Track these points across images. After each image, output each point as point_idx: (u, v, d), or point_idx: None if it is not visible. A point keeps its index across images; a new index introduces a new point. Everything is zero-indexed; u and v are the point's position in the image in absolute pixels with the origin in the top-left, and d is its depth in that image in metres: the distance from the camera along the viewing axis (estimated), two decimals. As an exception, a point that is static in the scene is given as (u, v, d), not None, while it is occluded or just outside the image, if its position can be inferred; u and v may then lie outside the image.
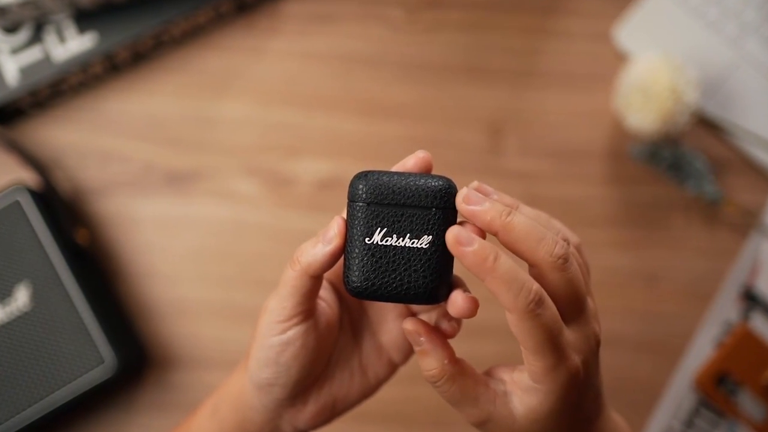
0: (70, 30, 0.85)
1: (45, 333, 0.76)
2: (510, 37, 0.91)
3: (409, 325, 0.45)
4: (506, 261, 0.41)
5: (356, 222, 0.43)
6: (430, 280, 0.43)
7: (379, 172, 0.44)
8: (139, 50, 0.88)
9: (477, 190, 0.44)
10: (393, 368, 0.55)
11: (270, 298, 0.48)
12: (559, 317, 0.42)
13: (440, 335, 0.45)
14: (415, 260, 0.43)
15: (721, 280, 0.86)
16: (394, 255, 0.43)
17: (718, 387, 0.82)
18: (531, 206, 0.47)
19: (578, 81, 0.90)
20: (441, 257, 0.43)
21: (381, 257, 0.43)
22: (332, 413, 0.52)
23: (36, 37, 0.85)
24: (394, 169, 0.46)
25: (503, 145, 0.88)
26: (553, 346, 0.41)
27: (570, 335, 0.43)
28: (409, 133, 0.88)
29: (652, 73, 0.83)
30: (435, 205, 0.43)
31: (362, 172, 0.44)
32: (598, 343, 0.45)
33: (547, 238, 0.41)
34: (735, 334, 0.83)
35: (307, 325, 0.47)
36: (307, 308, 0.47)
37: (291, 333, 0.47)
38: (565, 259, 0.42)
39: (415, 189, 0.43)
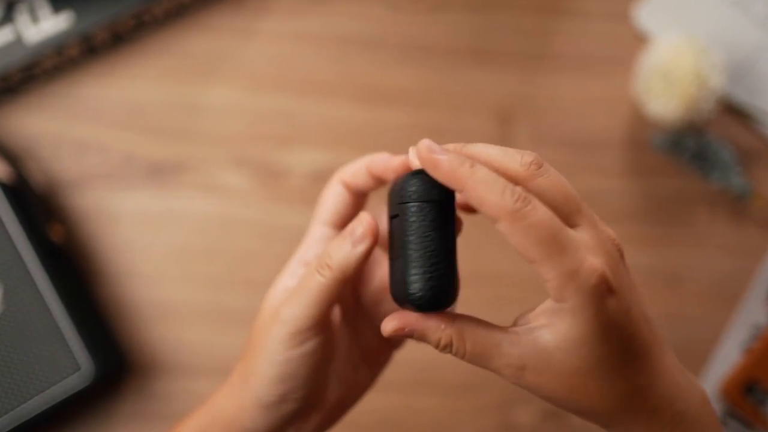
0: (44, 9, 0.85)
1: (16, 338, 0.76)
2: (520, 17, 0.91)
3: (388, 327, 0.44)
4: (483, 167, 0.41)
5: (418, 227, 0.42)
6: (430, 285, 0.42)
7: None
8: (118, 31, 0.87)
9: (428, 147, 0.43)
10: (393, 349, 0.55)
11: (282, 307, 0.47)
12: (553, 215, 0.40)
13: (416, 313, 0.44)
14: (402, 265, 0.43)
15: (748, 280, 0.86)
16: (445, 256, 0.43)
17: (746, 396, 0.82)
18: None
19: (594, 64, 0.90)
20: (436, 257, 0.42)
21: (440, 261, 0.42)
22: (338, 413, 0.52)
23: (6, 17, 0.84)
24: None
25: (513, 133, 0.88)
26: (559, 244, 0.40)
27: (578, 235, 0.41)
28: (411, 120, 0.88)
29: (675, 56, 0.83)
30: (414, 199, 0.43)
31: (415, 171, 0.43)
32: (617, 247, 0.43)
33: (509, 154, 0.42)
34: (764, 338, 0.83)
35: (327, 333, 0.47)
36: (329, 317, 0.47)
37: (310, 345, 0.46)
38: (537, 164, 0.42)
39: (400, 184, 0.43)
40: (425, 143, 0.42)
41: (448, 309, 0.44)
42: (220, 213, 0.86)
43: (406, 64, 0.89)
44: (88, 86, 0.88)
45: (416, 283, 0.42)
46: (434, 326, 0.43)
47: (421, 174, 0.43)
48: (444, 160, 0.41)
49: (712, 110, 0.83)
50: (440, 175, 0.41)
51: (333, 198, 0.52)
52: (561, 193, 0.42)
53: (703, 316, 0.85)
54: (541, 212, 0.40)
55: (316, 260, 0.47)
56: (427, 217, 0.42)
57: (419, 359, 0.76)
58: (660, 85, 0.83)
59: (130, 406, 0.81)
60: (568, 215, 0.42)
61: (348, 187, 0.52)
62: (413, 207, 0.42)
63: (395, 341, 0.54)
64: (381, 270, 0.55)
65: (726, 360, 0.84)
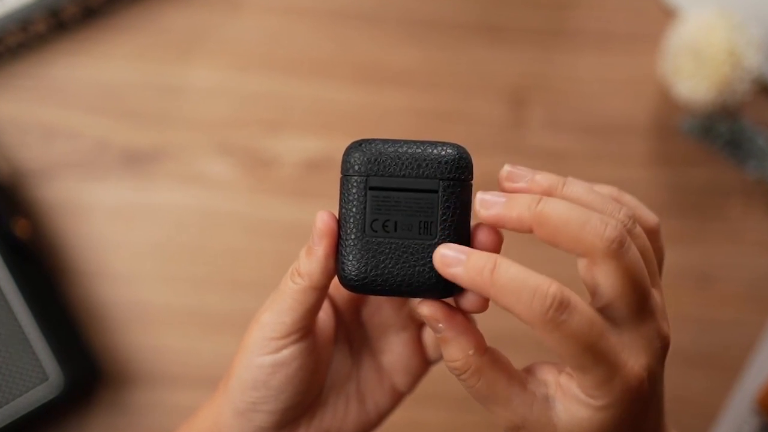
0: (7, -20, 0.85)
1: (-23, 345, 0.76)
2: (536, -11, 0.91)
3: (425, 309, 0.44)
4: (508, 267, 0.40)
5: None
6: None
7: (379, 140, 0.44)
8: (90, 5, 0.87)
9: (508, 176, 0.44)
10: (396, 397, 0.55)
11: (262, 310, 0.48)
12: (595, 318, 0.40)
13: (464, 319, 0.44)
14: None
15: (788, 280, 0.86)
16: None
17: (785, 408, 0.82)
18: None
19: (617, 42, 0.90)
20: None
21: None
22: None
23: (-35, -11, 0.84)
24: None
25: (527, 118, 0.88)
26: (596, 355, 0.40)
27: (626, 338, 0.41)
28: (414, 104, 0.88)
29: (706, 33, 0.82)
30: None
31: (358, 141, 0.44)
32: (665, 346, 0.44)
33: (591, 220, 0.40)
34: (805, 344, 0.83)
35: (306, 343, 0.48)
36: (308, 324, 0.48)
37: (287, 352, 0.47)
38: (619, 243, 0.40)
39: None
40: (440, 251, 0.42)
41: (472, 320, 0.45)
42: (203, 206, 0.86)
43: (408, 41, 0.89)
44: (57, 66, 0.87)
45: (346, 259, 0.44)
46: (464, 343, 0.43)
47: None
48: (460, 272, 0.41)
49: (747, 92, 0.83)
50: (463, 284, 0.41)
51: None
52: (632, 284, 0.41)
53: (737, 320, 0.85)
54: (577, 320, 0.39)
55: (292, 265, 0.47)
56: (353, 192, 0.44)
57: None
58: (690, 65, 0.82)
59: (102, 420, 0.82)
60: (628, 309, 0.42)
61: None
62: (350, 180, 0.44)
63: (394, 389, 0.54)
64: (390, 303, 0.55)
65: (763, 369, 0.84)
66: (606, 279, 0.40)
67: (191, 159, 0.86)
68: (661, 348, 0.43)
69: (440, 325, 0.44)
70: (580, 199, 0.43)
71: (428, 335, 0.54)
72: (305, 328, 0.47)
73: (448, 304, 0.45)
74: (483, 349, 0.43)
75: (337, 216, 0.45)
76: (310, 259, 0.45)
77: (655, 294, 0.43)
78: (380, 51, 0.89)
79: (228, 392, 0.49)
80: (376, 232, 0.43)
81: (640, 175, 0.87)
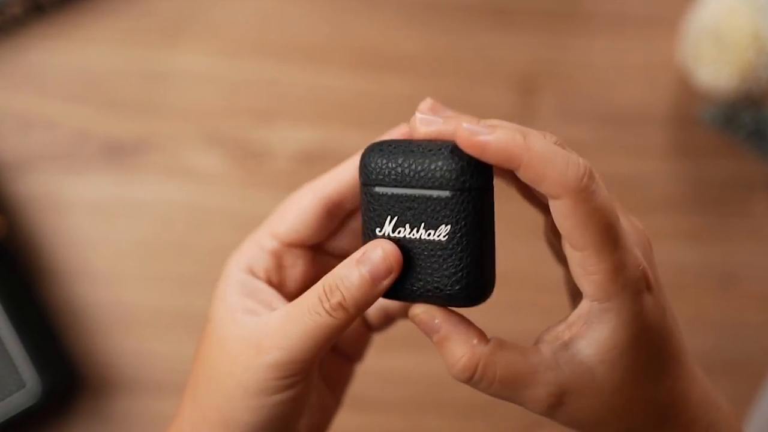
0: (-20, -41, 0.84)
1: (-51, 350, 0.77)
2: (546, -32, 0.91)
3: (419, 308, 0.44)
4: (538, 137, 0.40)
5: (367, 210, 0.45)
6: (460, 277, 0.43)
7: (390, 142, 0.45)
8: (69, -15, 0.86)
9: (431, 109, 0.45)
10: (355, 359, 0.56)
11: (265, 350, 0.45)
12: (613, 197, 0.42)
13: (459, 314, 0.44)
14: (436, 255, 0.43)
15: (817, 280, 0.86)
16: (410, 249, 0.44)
17: (813, 418, 0.82)
18: None
19: (633, 25, 0.90)
20: (470, 249, 0.43)
21: (414, 247, 0.44)
22: None
23: (-65, -32, 0.84)
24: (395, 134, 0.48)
25: (537, 106, 0.88)
26: (616, 234, 0.40)
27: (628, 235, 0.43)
28: (416, 91, 0.87)
29: (729, 15, 0.82)
30: (450, 186, 0.43)
31: (372, 145, 0.45)
32: (648, 240, 0.45)
33: (572, 158, 0.40)
34: (835, 349, 0.82)
35: (314, 375, 0.48)
36: (321, 356, 0.46)
37: (298, 389, 0.46)
38: (595, 181, 0.41)
39: (424, 166, 0.43)
40: (463, 125, 0.41)
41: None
42: (190, 201, 0.86)
43: (410, 25, 0.89)
44: (34, 51, 0.87)
45: (459, 273, 0.43)
46: (463, 333, 0.43)
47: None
48: (492, 141, 0.40)
49: (774, 79, 0.82)
50: (490, 157, 0.41)
51: (299, 210, 0.50)
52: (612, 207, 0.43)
53: (762, 323, 0.85)
54: (605, 193, 0.40)
55: (317, 298, 0.44)
56: (368, 202, 0.45)
57: (426, 375, 0.76)
58: (711, 50, 0.82)
59: (83, 429, 0.82)
60: None
61: (329, 206, 0.50)
62: (364, 190, 0.45)
63: (352, 352, 0.55)
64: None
65: (789, 375, 0.83)
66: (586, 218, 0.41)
67: (178, 151, 0.86)
68: (647, 241, 0.45)
69: (437, 320, 0.43)
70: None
71: (373, 309, 0.54)
72: (316, 366, 0.47)
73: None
74: (485, 338, 0.43)
75: (362, 229, 0.45)
76: (370, 292, 0.43)
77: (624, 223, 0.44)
78: (380, 35, 0.89)
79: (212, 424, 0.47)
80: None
81: (658, 167, 0.87)
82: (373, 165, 0.44)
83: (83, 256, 0.84)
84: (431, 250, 0.43)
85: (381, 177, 0.44)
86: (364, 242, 0.45)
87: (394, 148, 0.44)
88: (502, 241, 0.81)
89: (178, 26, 0.88)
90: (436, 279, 0.43)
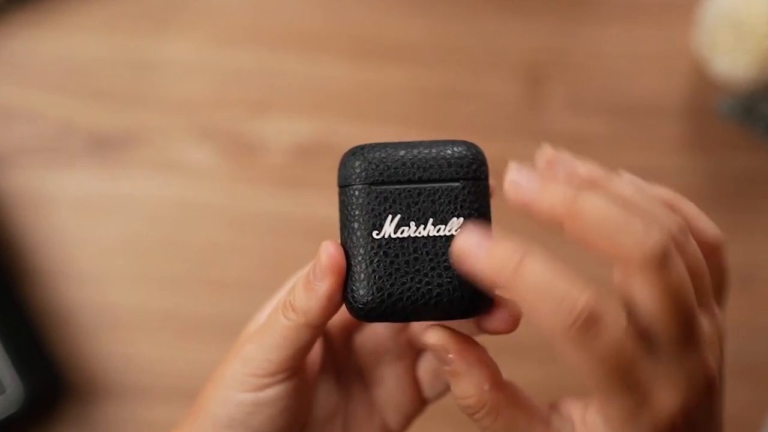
0: (-42, -59, 0.84)
1: (-74, 354, 0.77)
2: (555, -48, 0.91)
3: (432, 337, 0.43)
4: (538, 265, 0.39)
5: (356, 213, 0.43)
6: (468, 280, 0.42)
7: (377, 143, 0.44)
8: (53, -30, 0.86)
9: (548, 161, 0.43)
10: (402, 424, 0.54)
11: (246, 339, 0.47)
12: (627, 341, 0.39)
13: (477, 349, 0.44)
14: (443, 254, 0.43)
15: (840, 279, 0.86)
16: (416, 250, 0.43)
17: (836, 425, 0.82)
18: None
19: (647, 12, 0.90)
20: None
21: (398, 255, 0.43)
22: None
23: None
24: None
25: (545, 98, 0.88)
26: (623, 383, 0.39)
27: (662, 368, 0.40)
28: (418, 81, 0.88)
29: (746, 1, 0.82)
30: (462, 176, 0.43)
31: (355, 147, 0.44)
32: (709, 384, 0.42)
33: (632, 222, 0.38)
34: None
35: (294, 382, 0.47)
36: (298, 363, 0.47)
37: (271, 392, 0.46)
38: (663, 254, 0.38)
39: (432, 159, 0.44)
40: (463, 237, 0.41)
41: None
42: (180, 197, 0.86)
43: (411, 11, 0.89)
44: (16, 39, 0.87)
45: (356, 283, 0.43)
46: (478, 377, 0.42)
47: None
48: (482, 263, 0.39)
49: (794, 69, 0.82)
50: (478, 276, 0.40)
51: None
52: (673, 307, 0.39)
53: (782, 326, 0.83)
54: (606, 340, 0.38)
55: (284, 295, 0.46)
56: (358, 203, 0.44)
57: None
58: (728, 38, 0.82)
59: (67, 437, 0.80)
60: (668, 335, 0.40)
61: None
62: (352, 191, 0.44)
63: (385, 427, 0.54)
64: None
65: (810, 380, 0.83)
66: (642, 295, 0.39)
67: (167, 144, 0.86)
68: (704, 385, 0.41)
69: (450, 355, 0.43)
70: (626, 198, 0.40)
71: (424, 370, 0.53)
72: (294, 368, 0.46)
73: (458, 332, 0.44)
74: (499, 383, 0.43)
75: (340, 240, 0.44)
76: (309, 296, 0.43)
77: (703, 321, 0.41)
78: (379, 21, 0.89)
79: (197, 427, 0.48)
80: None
81: (673, 161, 0.87)
82: (370, 162, 0.43)
83: (67, 255, 0.84)
84: (441, 247, 0.43)
85: (380, 173, 0.43)
86: (353, 253, 0.43)
87: (390, 145, 0.44)
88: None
89: (167, 13, 0.88)
90: (447, 279, 0.43)
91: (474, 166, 0.43)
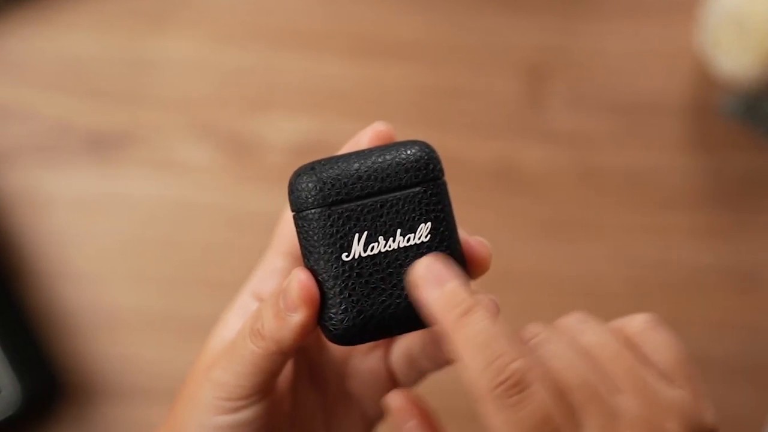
0: (-46, -62, 0.84)
1: None
2: (557, -51, 0.91)
3: (394, 400, 0.44)
4: (484, 320, 0.39)
5: (321, 238, 0.42)
6: None
7: (326, 159, 0.43)
8: (49, -33, 0.85)
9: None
10: (368, 426, 0.54)
11: (214, 362, 0.47)
12: (551, 415, 0.38)
13: (435, 420, 0.44)
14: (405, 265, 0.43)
15: (844, 281, 0.86)
16: (389, 265, 0.42)
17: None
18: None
19: (649, 10, 0.90)
20: (453, 237, 0.43)
21: (371, 274, 0.42)
22: None
23: None
24: (342, 150, 0.46)
25: (546, 96, 0.88)
26: None
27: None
28: (418, 80, 0.88)
29: (750, 0, 0.82)
30: (421, 179, 0.43)
31: (304, 167, 0.43)
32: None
33: (493, 347, 0.38)
34: None
35: (268, 402, 0.47)
36: (271, 385, 0.47)
37: (247, 413, 0.46)
38: (512, 385, 0.38)
39: (388, 167, 0.43)
40: (425, 264, 0.41)
41: None
42: (178, 196, 0.86)
43: (411, 9, 0.89)
44: (12, 37, 0.88)
45: (331, 310, 0.43)
46: None
47: None
48: (434, 297, 0.40)
49: (798, 67, 0.81)
50: (425, 307, 0.40)
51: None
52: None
53: (786, 327, 0.83)
54: (529, 409, 0.37)
55: (250, 320, 0.45)
56: (317, 229, 0.43)
57: (430, 381, 0.76)
58: (731, 36, 0.82)
59: (65, 439, 0.80)
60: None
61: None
62: (308, 216, 0.43)
63: (365, 417, 0.54)
64: None
65: (814, 381, 0.83)
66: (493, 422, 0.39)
67: (165, 143, 0.86)
68: None
69: (410, 422, 0.44)
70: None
71: (396, 359, 0.53)
72: (268, 389, 0.46)
73: (419, 399, 0.45)
74: None
75: (305, 264, 0.43)
76: (281, 326, 0.43)
77: (627, 402, 0.40)
78: (379, 19, 0.89)
79: None
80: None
81: (675, 160, 0.87)
82: (325, 182, 0.42)
83: (65, 256, 0.84)
84: (414, 256, 0.42)
85: (337, 192, 0.42)
86: (321, 272, 0.42)
87: (341, 159, 0.43)
88: (506, 239, 0.81)
89: (165, 10, 0.88)
90: (406, 303, 0.42)
91: (431, 166, 0.43)
